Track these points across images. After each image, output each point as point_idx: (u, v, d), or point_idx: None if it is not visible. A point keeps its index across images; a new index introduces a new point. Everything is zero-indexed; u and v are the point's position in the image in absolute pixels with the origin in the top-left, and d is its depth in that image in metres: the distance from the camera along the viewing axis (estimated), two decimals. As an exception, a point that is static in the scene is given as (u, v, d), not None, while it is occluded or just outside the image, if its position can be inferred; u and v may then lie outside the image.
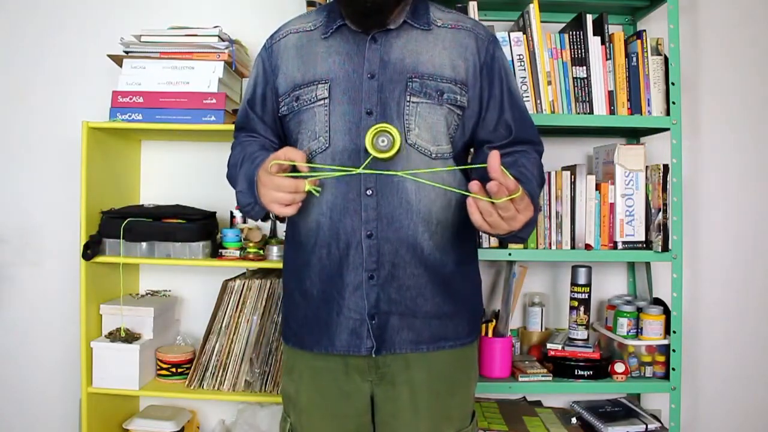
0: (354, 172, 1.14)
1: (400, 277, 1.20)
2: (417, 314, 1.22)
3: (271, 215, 1.84)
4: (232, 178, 1.31)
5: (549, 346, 1.80)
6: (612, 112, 1.75)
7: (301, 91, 1.24)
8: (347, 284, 1.20)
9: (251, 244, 1.78)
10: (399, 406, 1.24)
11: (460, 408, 1.30)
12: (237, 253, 1.78)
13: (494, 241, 1.76)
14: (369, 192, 1.19)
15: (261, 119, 1.33)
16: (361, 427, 1.26)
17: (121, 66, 1.81)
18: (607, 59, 1.76)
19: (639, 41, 1.74)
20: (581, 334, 1.78)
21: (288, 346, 1.33)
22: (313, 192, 1.12)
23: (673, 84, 1.73)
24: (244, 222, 1.91)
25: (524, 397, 2.02)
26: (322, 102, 1.21)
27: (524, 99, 1.57)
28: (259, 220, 1.86)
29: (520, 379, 1.75)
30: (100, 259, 1.73)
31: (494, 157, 1.00)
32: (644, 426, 1.76)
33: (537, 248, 1.76)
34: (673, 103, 1.73)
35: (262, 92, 1.32)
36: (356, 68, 1.22)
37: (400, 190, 1.19)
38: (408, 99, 1.21)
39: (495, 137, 1.29)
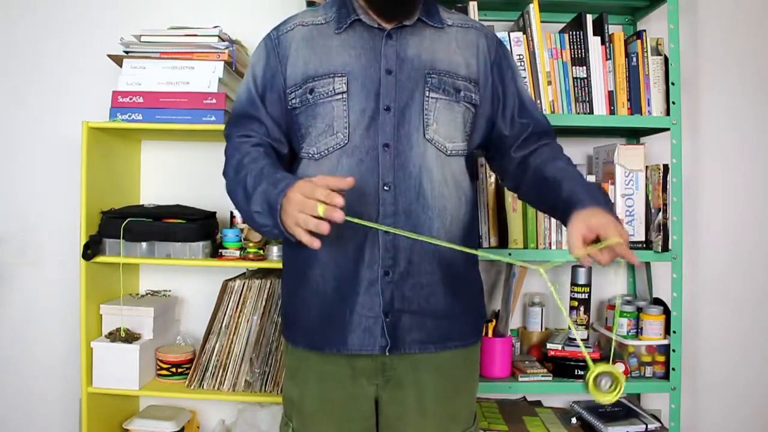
0: (378, 227, 1.11)
1: (415, 274, 1.19)
2: (428, 314, 1.21)
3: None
4: (234, 192, 1.17)
5: (549, 346, 1.80)
6: (612, 112, 1.75)
7: (315, 83, 1.20)
8: (362, 281, 1.17)
9: (251, 244, 1.78)
10: (405, 408, 1.23)
11: (466, 408, 1.30)
12: (237, 253, 1.78)
13: (494, 241, 1.76)
14: (386, 187, 1.17)
15: (265, 108, 1.25)
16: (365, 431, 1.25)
17: (121, 66, 1.80)
18: (607, 59, 1.76)
19: (639, 41, 1.74)
20: (581, 334, 1.78)
21: (296, 348, 1.27)
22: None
23: (673, 84, 1.73)
24: (244, 222, 1.91)
25: (524, 397, 2.02)
26: (340, 96, 1.19)
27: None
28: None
29: (520, 379, 1.75)
30: (100, 259, 1.73)
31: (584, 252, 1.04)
32: (644, 426, 1.76)
33: (537, 248, 1.76)
34: (673, 103, 1.73)
35: (270, 81, 1.25)
36: (372, 63, 1.20)
37: (417, 184, 1.18)
38: (427, 95, 1.21)
39: (514, 132, 1.31)
